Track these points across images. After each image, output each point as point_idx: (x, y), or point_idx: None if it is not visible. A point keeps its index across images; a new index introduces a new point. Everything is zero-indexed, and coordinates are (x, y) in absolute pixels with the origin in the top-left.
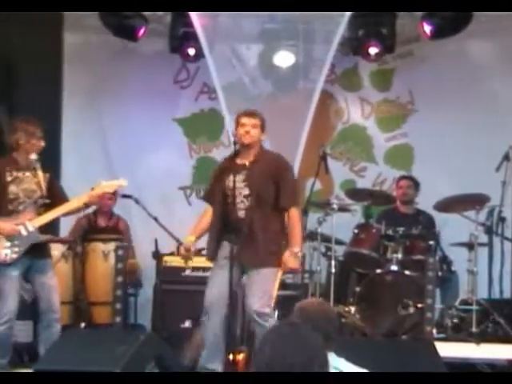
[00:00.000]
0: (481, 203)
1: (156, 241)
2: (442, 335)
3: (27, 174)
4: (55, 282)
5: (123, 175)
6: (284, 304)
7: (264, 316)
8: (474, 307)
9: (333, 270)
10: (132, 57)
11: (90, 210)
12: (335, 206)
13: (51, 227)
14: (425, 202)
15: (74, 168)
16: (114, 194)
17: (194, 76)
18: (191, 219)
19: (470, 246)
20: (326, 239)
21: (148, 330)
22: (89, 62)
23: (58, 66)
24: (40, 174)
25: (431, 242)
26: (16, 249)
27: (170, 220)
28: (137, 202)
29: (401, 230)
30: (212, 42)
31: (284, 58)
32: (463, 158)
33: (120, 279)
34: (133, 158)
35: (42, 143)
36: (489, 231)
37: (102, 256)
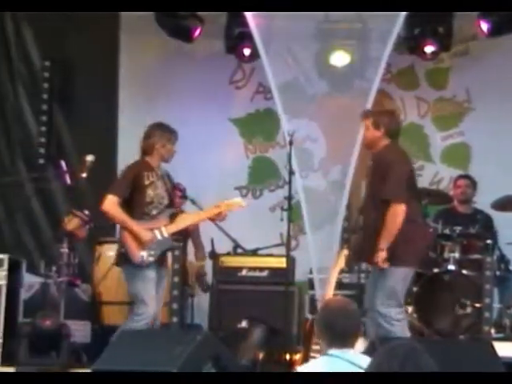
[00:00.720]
0: None
1: (212, 241)
2: (500, 335)
3: (160, 180)
4: (163, 293)
5: (179, 176)
6: None
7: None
8: None
9: None
10: (187, 58)
11: None
12: None
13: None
14: (482, 201)
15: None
16: (182, 191)
17: (249, 76)
18: (247, 219)
19: None
20: None
21: (205, 330)
22: (145, 64)
23: (114, 67)
24: (167, 181)
25: (489, 241)
26: (152, 252)
27: (226, 220)
28: (193, 202)
29: (458, 229)
30: (267, 41)
31: (340, 58)
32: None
33: (177, 279)
34: (189, 158)
35: (175, 149)
36: None
37: None
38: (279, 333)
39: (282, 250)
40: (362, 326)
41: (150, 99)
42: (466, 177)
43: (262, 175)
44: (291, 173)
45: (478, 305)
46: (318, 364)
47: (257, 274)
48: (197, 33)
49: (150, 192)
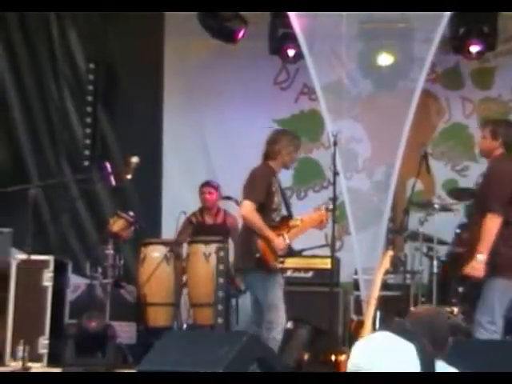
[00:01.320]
0: None
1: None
2: None
3: (278, 186)
4: None
5: (223, 175)
6: (386, 305)
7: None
8: None
9: (435, 271)
10: (232, 59)
11: (197, 208)
12: (437, 206)
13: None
14: None
15: (176, 168)
16: (216, 189)
17: (293, 77)
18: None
19: None
20: (427, 239)
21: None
22: (189, 65)
23: (159, 68)
24: (279, 190)
25: None
26: (280, 259)
27: None
28: (237, 203)
29: None
30: (311, 42)
31: (384, 58)
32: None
33: (221, 280)
34: (233, 159)
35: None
36: None
37: (204, 257)
38: (324, 334)
39: (327, 251)
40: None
41: (194, 100)
42: None
43: (306, 176)
44: (336, 173)
45: None
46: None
47: (302, 274)
48: (241, 34)
49: (276, 199)
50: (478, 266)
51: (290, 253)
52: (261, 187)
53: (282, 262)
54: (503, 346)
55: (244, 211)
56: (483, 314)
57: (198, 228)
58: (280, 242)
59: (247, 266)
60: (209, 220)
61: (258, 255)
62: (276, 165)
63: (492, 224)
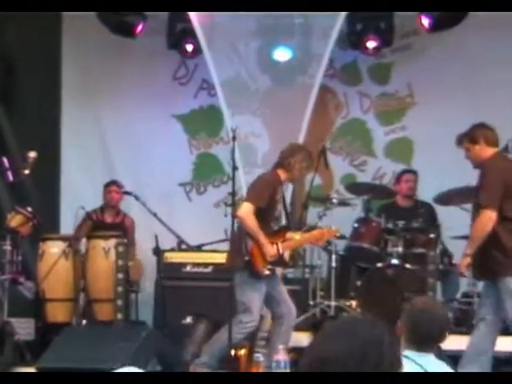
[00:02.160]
0: None
1: (156, 237)
2: None
3: (281, 196)
4: None
5: (123, 171)
6: None
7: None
8: (475, 300)
9: (333, 265)
10: (130, 54)
11: (97, 205)
12: (335, 201)
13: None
14: (424, 195)
15: (75, 163)
16: (120, 187)
17: (192, 72)
18: (191, 215)
19: None
20: None
21: (150, 326)
22: (87, 60)
23: (57, 63)
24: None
25: (432, 235)
26: (269, 266)
27: (170, 216)
28: (136, 198)
29: (401, 223)
30: (210, 37)
31: (282, 53)
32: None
33: (121, 276)
34: (133, 154)
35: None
36: None
37: (103, 253)
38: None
39: (226, 246)
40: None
41: (93, 96)
42: (412, 172)
43: (206, 171)
44: (235, 168)
45: None
46: None
47: (201, 269)
48: (139, 29)
49: (278, 207)
50: (462, 262)
51: (280, 263)
52: (264, 193)
53: (270, 270)
54: None
55: (241, 212)
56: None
57: (97, 225)
58: (271, 249)
59: (236, 265)
60: (108, 218)
61: (247, 258)
62: (285, 176)
63: (483, 219)
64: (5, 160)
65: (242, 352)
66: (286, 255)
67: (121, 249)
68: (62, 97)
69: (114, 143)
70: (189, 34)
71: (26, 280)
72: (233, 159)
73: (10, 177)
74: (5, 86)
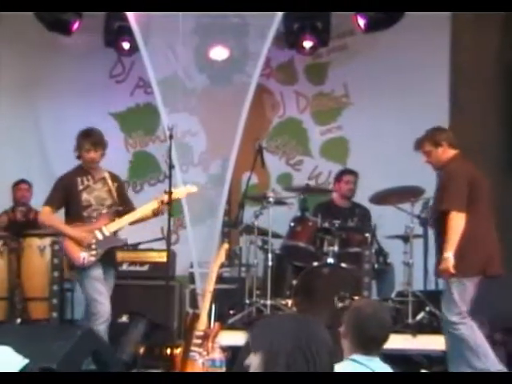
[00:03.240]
0: (416, 195)
1: None
2: None
3: (98, 183)
4: (110, 293)
5: (59, 168)
6: (221, 298)
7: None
8: (410, 299)
9: (270, 264)
10: (66, 51)
11: (8, 206)
12: (271, 200)
13: None
14: (360, 194)
15: (11, 162)
16: (31, 186)
17: (129, 70)
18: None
19: (406, 239)
20: (262, 232)
21: (85, 325)
22: (23, 57)
23: None
24: (109, 183)
25: (367, 235)
26: (93, 252)
27: None
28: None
29: (337, 222)
30: (147, 36)
31: (219, 52)
32: (398, 150)
33: (56, 274)
34: (69, 151)
35: (91, 155)
36: (424, 223)
37: (38, 251)
38: (160, 327)
39: (163, 245)
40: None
41: (28, 94)
42: (353, 172)
43: (142, 169)
44: (171, 167)
45: (356, 297)
46: (342, 368)
47: (137, 268)
48: (75, 26)
49: (83, 196)
50: (447, 264)
51: (106, 243)
52: (53, 193)
53: (94, 255)
54: None
55: (40, 217)
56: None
57: (10, 224)
58: (81, 235)
59: (70, 266)
60: (20, 217)
61: (65, 255)
62: (85, 164)
63: (456, 221)
64: None
65: (178, 351)
66: (111, 233)
67: (56, 247)
68: None
69: (50, 140)
70: (125, 31)
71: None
72: (169, 157)
73: None
74: None
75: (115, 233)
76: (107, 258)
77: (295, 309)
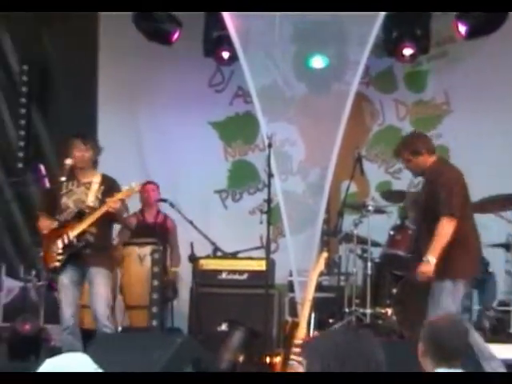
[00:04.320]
0: None
1: (192, 244)
2: None
3: (82, 187)
4: (102, 291)
5: (159, 179)
6: (321, 306)
7: None
8: None
9: (369, 272)
10: (166, 61)
11: (137, 208)
12: (371, 208)
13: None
14: None
15: (110, 172)
16: (158, 188)
17: (228, 79)
18: (226, 222)
19: (507, 247)
20: (361, 241)
21: (185, 333)
22: (124, 68)
23: (94, 70)
24: (95, 187)
25: None
26: (59, 257)
27: (205, 223)
28: (172, 205)
29: None
30: (246, 44)
31: (318, 60)
32: (500, 158)
33: (156, 283)
34: (168, 161)
35: (79, 154)
36: None
37: (138, 260)
38: (259, 336)
39: (262, 253)
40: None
41: (129, 103)
42: None
43: (241, 178)
44: (270, 176)
45: None
46: None
47: (236, 276)
48: (175, 36)
49: (63, 201)
50: (428, 267)
51: (68, 248)
52: (43, 196)
53: (59, 261)
54: None
55: (39, 224)
56: None
57: (140, 227)
58: (41, 224)
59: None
60: (150, 218)
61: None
62: (75, 168)
63: (448, 228)
64: (41, 167)
65: (277, 359)
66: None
67: (156, 256)
68: (99, 103)
69: (149, 149)
70: (225, 41)
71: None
72: (268, 166)
73: (47, 183)
74: (41, 93)
75: (83, 234)
76: (84, 260)
77: (395, 318)
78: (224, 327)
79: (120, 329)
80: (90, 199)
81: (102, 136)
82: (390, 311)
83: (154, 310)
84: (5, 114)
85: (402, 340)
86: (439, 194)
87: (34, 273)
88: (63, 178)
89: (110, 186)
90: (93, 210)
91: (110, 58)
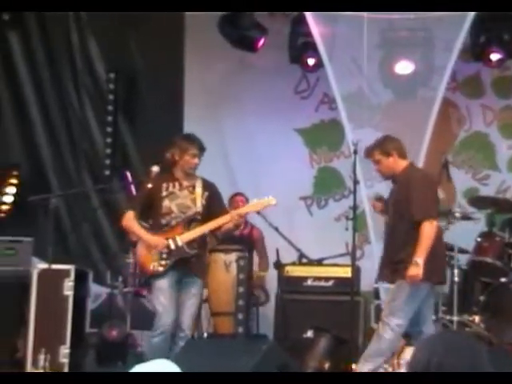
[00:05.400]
0: None
1: (277, 251)
2: None
3: (185, 190)
4: (194, 302)
5: (244, 184)
6: None
7: (385, 326)
8: None
9: (456, 279)
10: (252, 68)
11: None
12: (458, 215)
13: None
14: None
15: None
16: (247, 200)
17: (314, 86)
18: (312, 229)
19: None
20: (448, 248)
21: (270, 339)
22: (209, 75)
23: (179, 78)
24: (198, 191)
25: None
26: (163, 262)
27: (291, 230)
28: (258, 212)
29: None
30: (331, 51)
31: (404, 66)
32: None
33: (242, 289)
34: (254, 168)
35: (196, 161)
36: None
37: (224, 266)
38: (345, 342)
39: (348, 260)
40: None
41: (214, 110)
42: None
43: (327, 185)
44: (356, 182)
45: None
46: None
47: (322, 283)
48: (261, 43)
49: (165, 203)
50: (418, 270)
51: (177, 254)
52: (139, 196)
53: (163, 265)
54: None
55: (122, 222)
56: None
57: (225, 238)
58: (154, 240)
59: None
60: (236, 231)
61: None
62: (177, 171)
63: (431, 229)
64: (128, 174)
65: None
66: (184, 245)
67: (242, 262)
68: (185, 110)
69: (235, 156)
70: (310, 47)
71: (148, 293)
72: (354, 173)
73: (133, 191)
74: (128, 101)
75: (195, 242)
76: (186, 268)
77: (483, 325)
78: (310, 334)
79: (205, 335)
80: (198, 205)
81: None
82: (477, 318)
83: (240, 316)
84: (92, 121)
85: (490, 347)
86: (412, 198)
87: (120, 279)
88: (150, 185)
89: (213, 192)
90: (201, 216)
91: (196, 64)
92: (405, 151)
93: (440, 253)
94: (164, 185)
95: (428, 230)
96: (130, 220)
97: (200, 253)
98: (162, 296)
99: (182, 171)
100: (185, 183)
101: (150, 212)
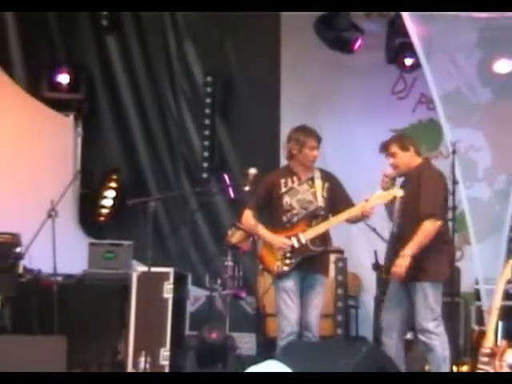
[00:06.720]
0: None
1: (375, 252)
2: None
3: (304, 184)
4: (319, 300)
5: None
6: (509, 315)
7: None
8: None
9: None
10: (348, 70)
11: None
12: None
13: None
14: None
15: None
16: None
17: (411, 86)
18: None
19: None
20: None
21: (370, 342)
22: (306, 76)
23: (276, 80)
24: (318, 184)
25: None
26: (287, 261)
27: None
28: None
29: None
30: (429, 51)
31: (504, 65)
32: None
33: (341, 291)
34: (351, 169)
35: (315, 153)
36: None
37: None
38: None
39: None
40: None
41: (312, 112)
42: None
43: None
44: (455, 183)
45: None
46: None
47: None
48: (357, 44)
49: (285, 200)
50: (403, 261)
51: (301, 252)
52: (258, 193)
53: (287, 265)
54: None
55: (242, 221)
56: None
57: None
58: (278, 241)
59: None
60: None
61: (260, 262)
62: (295, 165)
63: (431, 227)
64: (226, 177)
65: (464, 368)
66: (308, 242)
67: (340, 264)
68: (281, 112)
69: (331, 158)
70: (407, 48)
71: (247, 295)
72: (453, 173)
73: (231, 193)
74: (225, 104)
75: (318, 239)
76: (310, 265)
77: None
78: (409, 336)
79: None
80: (320, 199)
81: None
82: None
83: (339, 318)
84: (189, 124)
85: None
86: (421, 195)
87: (219, 281)
88: (247, 188)
89: (334, 182)
90: (324, 210)
91: (293, 66)
92: (420, 150)
93: (445, 251)
94: (282, 180)
95: (428, 227)
96: (249, 219)
97: (323, 249)
98: (286, 297)
99: (300, 165)
100: (303, 177)
101: (270, 210)
